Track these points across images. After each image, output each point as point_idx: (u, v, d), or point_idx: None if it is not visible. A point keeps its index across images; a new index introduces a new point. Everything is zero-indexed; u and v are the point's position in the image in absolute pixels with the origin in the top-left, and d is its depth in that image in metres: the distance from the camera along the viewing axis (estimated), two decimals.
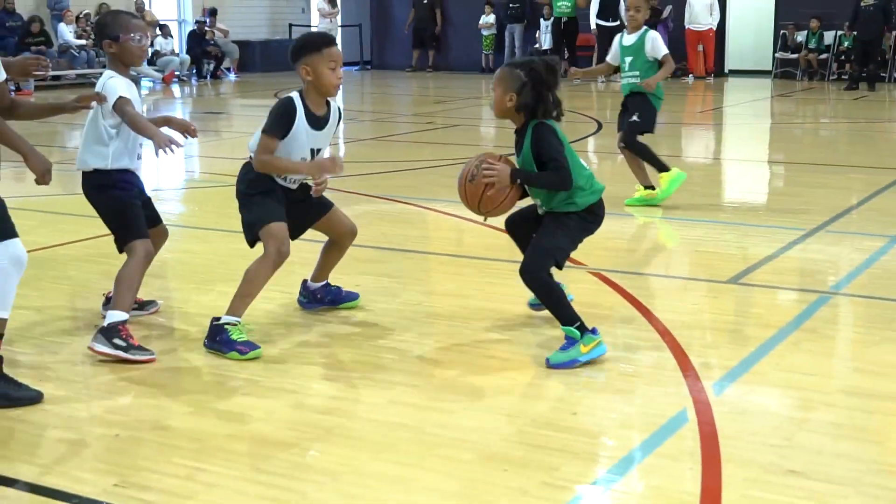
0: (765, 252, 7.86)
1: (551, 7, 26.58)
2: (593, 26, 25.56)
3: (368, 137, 16.11)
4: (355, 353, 5.59)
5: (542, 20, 27.48)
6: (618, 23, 25.79)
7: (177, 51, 27.77)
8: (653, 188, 9.52)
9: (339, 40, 30.84)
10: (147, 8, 27.61)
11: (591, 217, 5.72)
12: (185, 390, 5.05)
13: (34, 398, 4.99)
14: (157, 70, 26.09)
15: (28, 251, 4.86)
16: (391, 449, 4.30)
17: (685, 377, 5.13)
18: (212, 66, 28.04)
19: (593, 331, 5.41)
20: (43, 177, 5.21)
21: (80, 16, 26.03)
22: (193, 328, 6.10)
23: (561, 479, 4.04)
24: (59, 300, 6.77)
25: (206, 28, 27.95)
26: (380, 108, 21.29)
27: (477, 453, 4.24)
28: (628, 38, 9.44)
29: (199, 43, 27.90)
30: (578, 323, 5.43)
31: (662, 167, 9.50)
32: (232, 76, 28.38)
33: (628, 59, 9.40)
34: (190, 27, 28.84)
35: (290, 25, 31.35)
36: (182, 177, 12.78)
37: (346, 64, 31.57)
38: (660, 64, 9.35)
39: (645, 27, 9.40)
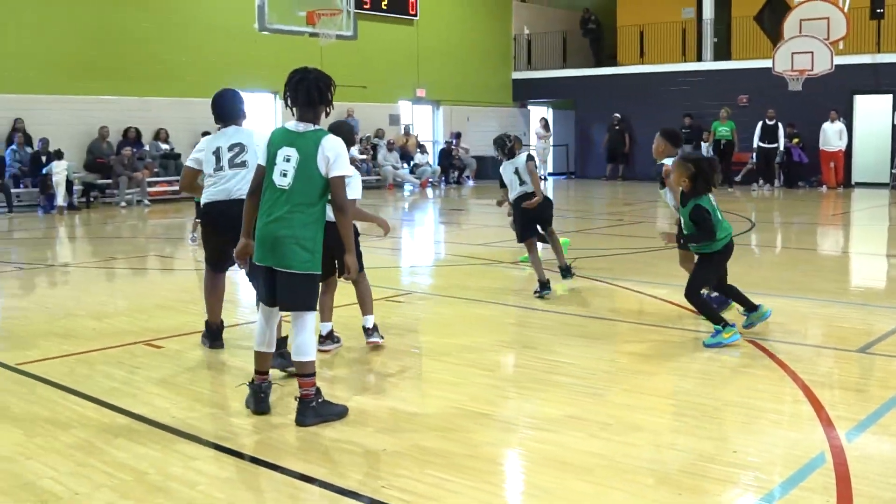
0: (887, 327, 7.50)
1: (711, 132, 26.21)
2: (755, 146, 25.26)
3: (572, 230, 16.10)
4: (563, 398, 5.58)
5: (702, 143, 27.06)
6: (775, 145, 25.26)
7: (431, 163, 28.42)
8: None
9: (551, 156, 31.17)
10: (412, 132, 28.41)
11: (725, 252, 7.00)
12: (435, 418, 5.13)
13: (341, 413, 5.12)
14: (416, 177, 26.79)
15: None
16: (590, 472, 4.27)
17: (822, 426, 4.93)
18: (456, 175, 28.57)
19: (732, 325, 6.79)
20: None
21: (363, 138, 26.99)
22: (440, 366, 6.20)
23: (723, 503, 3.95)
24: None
25: (453, 147, 28.53)
26: (581, 208, 21.24)
27: (656, 479, 4.17)
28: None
29: (447, 157, 28.49)
30: (722, 323, 6.77)
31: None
32: (470, 182, 28.79)
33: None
34: (441, 146, 29.50)
35: None
36: (432, 257, 13.02)
37: (554, 174, 32.00)
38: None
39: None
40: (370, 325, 6.90)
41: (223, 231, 6.49)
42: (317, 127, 5.02)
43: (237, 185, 6.58)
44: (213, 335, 6.95)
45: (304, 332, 5.02)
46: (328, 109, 5.05)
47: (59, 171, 19.77)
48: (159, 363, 6.51)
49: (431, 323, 8.07)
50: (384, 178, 26.72)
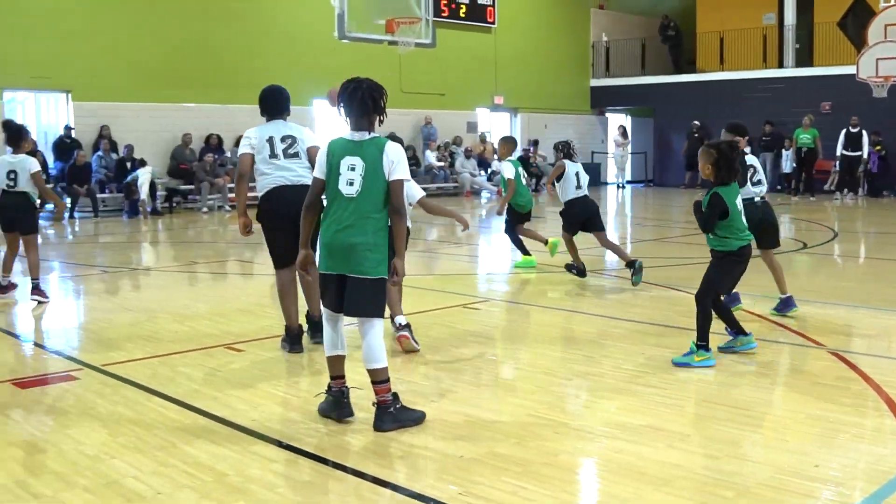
0: None
1: (793, 140, 25.72)
2: (839, 154, 24.76)
3: (650, 238, 15.96)
4: (641, 407, 5.53)
5: (783, 150, 26.57)
6: (859, 153, 24.70)
7: None
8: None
9: (629, 163, 30.92)
10: (488, 140, 28.43)
11: (740, 257, 6.62)
12: (512, 425, 5.12)
13: (419, 419, 5.16)
14: (493, 185, 26.77)
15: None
16: (669, 484, 4.22)
17: None
18: (533, 182, 28.43)
19: (709, 350, 6.43)
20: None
21: (441, 145, 27.11)
22: (517, 373, 6.18)
23: None
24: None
25: (530, 154, 28.47)
26: (659, 216, 21.03)
27: (735, 492, 4.10)
28: None
29: (524, 165, 28.32)
30: (704, 343, 6.39)
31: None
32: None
33: None
34: (518, 153, 29.38)
35: (592, 153, 31.61)
36: (509, 264, 12.98)
37: (633, 181, 31.73)
38: None
39: None
40: (404, 322, 7.00)
41: (283, 218, 6.66)
42: (374, 135, 5.10)
43: (296, 172, 6.84)
44: (293, 339, 7.02)
45: (374, 339, 5.07)
46: (381, 118, 5.11)
47: (143, 177, 20.25)
48: (239, 366, 6.60)
49: (508, 330, 8.06)
50: (461, 186, 26.80)
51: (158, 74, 22.09)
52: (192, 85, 22.69)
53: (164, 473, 4.38)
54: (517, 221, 11.72)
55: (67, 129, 21.12)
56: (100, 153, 21.16)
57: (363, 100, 5.01)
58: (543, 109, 30.75)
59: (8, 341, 7.61)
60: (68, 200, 19.77)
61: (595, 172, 28.44)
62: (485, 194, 26.60)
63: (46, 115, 22.10)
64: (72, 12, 20.90)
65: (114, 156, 21.31)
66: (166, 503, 4.04)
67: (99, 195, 20.67)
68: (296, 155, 6.87)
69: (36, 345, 7.52)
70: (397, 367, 6.32)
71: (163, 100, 22.32)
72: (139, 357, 6.87)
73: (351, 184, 4.99)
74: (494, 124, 30.15)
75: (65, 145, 20.79)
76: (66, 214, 19.24)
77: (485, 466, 4.44)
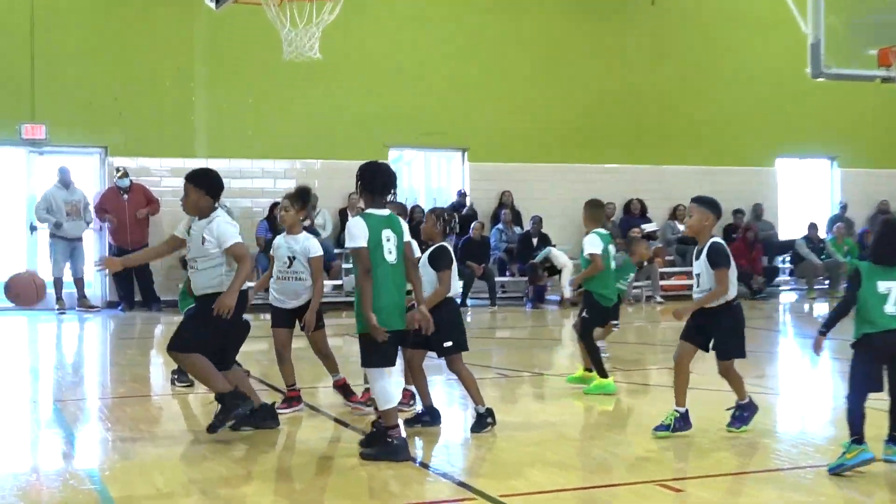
0: None
1: None
2: None
3: None
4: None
5: None
6: None
7: None
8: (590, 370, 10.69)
9: None
10: None
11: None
12: None
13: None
14: None
15: None
16: None
17: None
18: None
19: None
20: None
21: None
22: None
23: None
24: None
25: None
26: None
27: None
28: None
29: None
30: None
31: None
32: None
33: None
34: None
35: None
36: None
37: None
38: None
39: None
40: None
41: None
42: (388, 211, 7.85)
43: None
44: None
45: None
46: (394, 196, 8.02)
47: (559, 260, 20.68)
48: None
49: None
50: None
51: (572, 129, 22.79)
52: (613, 142, 23.17)
53: None
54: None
55: (461, 194, 22.26)
56: (500, 226, 22.04)
57: (385, 181, 7.90)
58: None
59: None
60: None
61: None
62: None
63: (437, 177, 23.51)
64: (469, 61, 22.29)
65: (517, 229, 22.09)
66: None
67: (497, 278, 21.44)
68: None
69: (421, 465, 7.76)
70: None
71: (577, 160, 22.95)
72: (547, 489, 6.87)
73: (391, 252, 7.70)
74: None
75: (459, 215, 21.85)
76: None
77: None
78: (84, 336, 17.67)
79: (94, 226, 20.81)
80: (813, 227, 23.79)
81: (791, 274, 24.75)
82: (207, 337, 8.28)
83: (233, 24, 20.12)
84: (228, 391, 8.26)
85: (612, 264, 10.93)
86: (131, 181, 20.40)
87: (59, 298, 19.74)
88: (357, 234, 7.57)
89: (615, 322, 12.45)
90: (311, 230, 20.79)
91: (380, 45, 21.99)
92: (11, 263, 21.01)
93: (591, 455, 7.99)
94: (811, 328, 16.92)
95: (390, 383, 7.86)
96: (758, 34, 24.11)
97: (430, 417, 8.85)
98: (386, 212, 7.78)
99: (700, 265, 8.31)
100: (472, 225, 21.20)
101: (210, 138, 21.05)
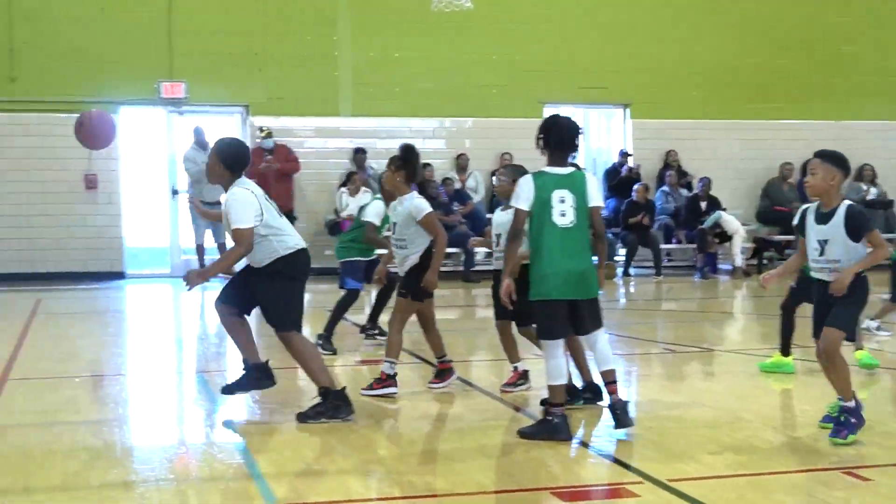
0: None
1: None
2: None
3: None
4: None
5: None
6: None
7: None
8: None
9: None
10: None
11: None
12: None
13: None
14: None
15: None
16: None
17: None
18: None
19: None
20: None
21: None
22: None
23: None
24: None
25: None
26: None
27: None
28: None
29: None
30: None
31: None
32: None
33: None
34: None
35: None
36: None
37: None
38: None
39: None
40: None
41: None
42: (572, 168, 7.60)
43: None
44: None
45: (605, 344, 7.73)
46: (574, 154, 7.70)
47: (727, 223, 20.30)
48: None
49: None
50: None
51: (745, 82, 22.26)
52: (790, 95, 22.53)
53: None
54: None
55: (623, 154, 21.96)
56: (665, 188, 21.71)
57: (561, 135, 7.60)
58: None
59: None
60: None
61: None
62: None
63: (597, 136, 23.26)
64: (632, 6, 21.88)
65: (684, 192, 21.73)
66: None
67: (662, 245, 21.14)
68: None
69: (582, 444, 7.65)
70: None
71: (750, 116, 22.41)
72: (722, 474, 6.75)
73: (563, 215, 7.43)
74: None
75: (619, 177, 21.60)
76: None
77: None
78: None
79: None
80: None
81: None
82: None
83: None
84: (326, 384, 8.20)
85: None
86: (275, 142, 20.33)
87: (202, 266, 19.62)
88: (520, 193, 7.50)
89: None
90: (463, 193, 20.76)
91: None
92: (155, 229, 21.39)
93: (765, 438, 7.72)
94: None
95: (563, 358, 7.74)
96: None
97: (591, 394, 8.67)
98: (566, 170, 7.55)
99: (828, 230, 7.49)
100: (635, 187, 20.95)
101: (354, 95, 21.05)
